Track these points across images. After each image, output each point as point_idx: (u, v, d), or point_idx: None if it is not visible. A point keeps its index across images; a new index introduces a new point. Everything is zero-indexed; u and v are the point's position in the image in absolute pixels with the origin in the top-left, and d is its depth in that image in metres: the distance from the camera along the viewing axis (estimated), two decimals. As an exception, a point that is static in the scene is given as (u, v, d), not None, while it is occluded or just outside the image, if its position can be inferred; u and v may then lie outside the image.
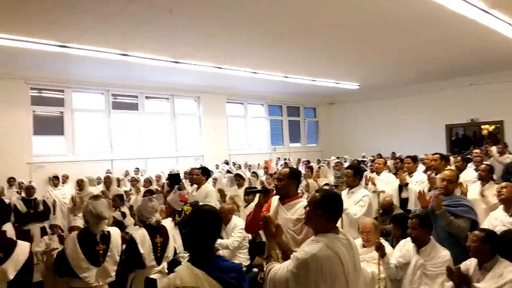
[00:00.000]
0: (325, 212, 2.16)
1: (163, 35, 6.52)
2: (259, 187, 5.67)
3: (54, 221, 5.07)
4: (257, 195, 3.19)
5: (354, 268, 2.17)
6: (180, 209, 4.47)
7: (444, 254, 3.25)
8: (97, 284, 3.05)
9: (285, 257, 2.28)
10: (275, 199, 3.12)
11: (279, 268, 2.14)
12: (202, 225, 2.05)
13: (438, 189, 3.77)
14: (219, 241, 4.49)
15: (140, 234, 3.28)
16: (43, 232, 5.30)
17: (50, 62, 7.96)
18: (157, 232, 3.46)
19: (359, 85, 12.17)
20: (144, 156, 10.72)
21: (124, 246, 3.31)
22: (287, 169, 3.11)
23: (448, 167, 5.36)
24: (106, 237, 3.17)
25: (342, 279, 2.08)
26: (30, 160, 8.85)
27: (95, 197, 3.25)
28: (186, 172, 7.40)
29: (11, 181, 7.44)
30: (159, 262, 3.36)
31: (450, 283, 2.99)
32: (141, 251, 3.20)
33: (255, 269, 4.40)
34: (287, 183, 2.99)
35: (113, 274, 3.16)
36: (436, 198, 3.52)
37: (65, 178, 7.81)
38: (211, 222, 2.08)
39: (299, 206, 2.91)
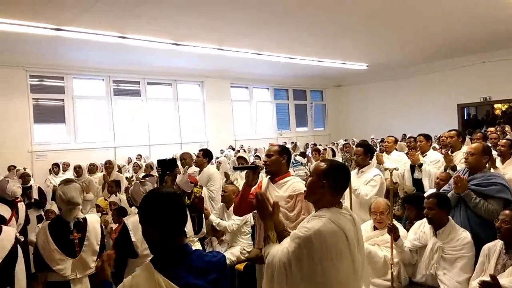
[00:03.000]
0: (330, 183, 1.95)
1: (163, 15, 6.23)
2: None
3: (49, 207, 4.86)
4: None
5: (358, 246, 1.98)
6: (189, 191, 4.23)
7: (464, 236, 2.98)
8: (74, 276, 2.79)
9: (280, 238, 2.06)
10: (265, 180, 3.02)
11: (277, 250, 1.90)
12: (164, 214, 1.57)
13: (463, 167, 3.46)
14: (218, 221, 4.29)
15: (133, 221, 3.04)
16: (40, 220, 5.12)
17: (48, 48, 7.74)
18: None
19: (367, 66, 11.77)
20: (148, 143, 10.54)
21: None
22: (276, 146, 3.03)
23: (465, 145, 5.06)
24: (82, 224, 2.91)
25: (348, 256, 1.89)
26: (31, 149, 8.70)
27: (66, 182, 2.97)
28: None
29: (11, 169, 7.26)
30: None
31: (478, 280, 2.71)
32: (133, 239, 2.96)
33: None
34: (277, 159, 2.90)
35: (93, 265, 2.89)
36: (457, 179, 3.19)
37: (66, 166, 7.63)
38: (172, 207, 1.59)
39: (291, 183, 2.86)
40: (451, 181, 3.36)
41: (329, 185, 1.95)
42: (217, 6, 5.98)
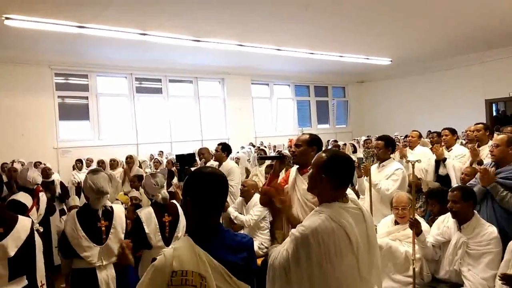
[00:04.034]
0: (331, 177, 1.81)
1: (182, 11, 6.25)
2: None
3: (73, 202, 4.97)
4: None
5: (368, 244, 1.82)
6: None
7: (490, 231, 2.86)
8: (100, 263, 2.84)
9: None
10: (293, 170, 2.87)
11: (279, 252, 1.79)
12: (204, 191, 1.64)
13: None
14: (236, 214, 4.28)
15: (146, 213, 3.07)
16: (62, 214, 5.23)
17: (71, 45, 7.91)
18: (165, 211, 3.21)
19: (391, 60, 11.52)
20: (170, 140, 10.64)
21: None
22: (306, 135, 2.84)
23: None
24: (109, 213, 2.95)
25: (351, 256, 1.74)
26: (57, 145, 8.91)
27: (94, 171, 3.01)
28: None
29: (37, 165, 7.45)
30: (167, 243, 3.11)
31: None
32: (146, 230, 2.98)
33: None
34: (306, 150, 2.72)
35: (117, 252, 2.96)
36: (485, 171, 3.05)
37: (89, 161, 7.79)
38: (215, 187, 1.67)
39: None
40: (478, 175, 3.23)
41: (329, 179, 1.81)
42: (237, 1, 5.94)
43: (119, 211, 3.04)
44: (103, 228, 2.87)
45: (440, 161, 4.90)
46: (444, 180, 4.83)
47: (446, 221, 3.11)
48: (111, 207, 3.01)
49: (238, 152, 7.57)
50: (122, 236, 2.97)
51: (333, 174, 1.82)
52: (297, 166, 2.84)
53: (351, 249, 1.74)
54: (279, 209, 1.98)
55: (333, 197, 1.83)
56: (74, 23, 6.41)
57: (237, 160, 6.40)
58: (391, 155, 4.06)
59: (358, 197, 4.48)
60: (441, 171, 4.92)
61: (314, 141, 2.79)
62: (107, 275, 2.86)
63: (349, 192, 4.92)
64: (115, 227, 2.93)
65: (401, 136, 9.36)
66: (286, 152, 6.11)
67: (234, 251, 1.65)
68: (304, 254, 1.70)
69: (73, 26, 6.45)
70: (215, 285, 1.54)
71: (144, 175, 5.73)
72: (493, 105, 12.20)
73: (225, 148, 5.11)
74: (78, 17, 6.21)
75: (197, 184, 1.67)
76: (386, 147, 3.94)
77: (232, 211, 4.39)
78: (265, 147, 9.02)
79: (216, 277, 1.55)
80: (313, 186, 1.90)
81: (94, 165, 7.46)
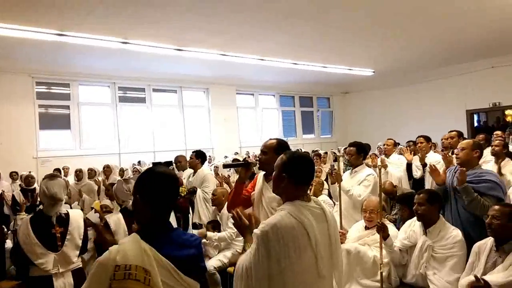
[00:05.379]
0: (291, 176, 1.88)
1: (164, 20, 6.23)
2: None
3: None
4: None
5: (329, 244, 1.86)
6: None
7: (454, 234, 2.88)
8: (56, 271, 2.76)
9: None
10: (260, 176, 2.78)
11: (246, 255, 1.82)
12: (155, 189, 1.67)
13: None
14: (217, 236, 4.22)
15: (115, 219, 3.03)
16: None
17: (53, 54, 7.84)
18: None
19: (374, 71, 11.67)
20: (153, 150, 10.56)
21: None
22: (273, 141, 2.74)
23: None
24: (64, 219, 2.89)
25: (310, 253, 1.76)
26: (36, 155, 8.78)
27: (51, 177, 2.96)
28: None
29: (13, 175, 7.35)
30: None
31: (466, 279, 2.60)
32: (115, 237, 2.94)
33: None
34: (272, 157, 2.54)
35: (75, 259, 2.87)
36: (461, 172, 3.05)
37: (66, 170, 7.68)
38: (166, 186, 1.70)
39: None
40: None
41: (289, 178, 1.87)
42: (220, 10, 5.95)
43: (76, 216, 2.97)
44: (58, 235, 2.81)
45: (411, 165, 4.96)
46: (420, 183, 4.87)
47: (412, 225, 3.13)
48: (66, 213, 2.94)
49: (219, 161, 7.53)
50: (80, 242, 2.90)
51: (293, 172, 1.88)
52: (264, 173, 2.76)
53: (310, 245, 1.77)
54: (246, 225, 1.98)
55: (294, 195, 1.88)
56: (54, 31, 6.36)
57: (216, 169, 6.37)
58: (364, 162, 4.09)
59: (335, 204, 4.49)
60: (415, 174, 4.98)
61: (281, 148, 2.64)
62: (64, 283, 2.78)
63: (326, 199, 4.92)
64: (71, 234, 2.86)
65: (384, 146, 9.43)
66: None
67: (181, 247, 1.67)
68: (264, 250, 1.71)
69: (53, 34, 6.41)
70: (160, 280, 1.53)
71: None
72: (474, 115, 12.39)
73: (199, 155, 5.08)
74: (58, 24, 6.16)
75: (148, 182, 1.71)
76: (358, 153, 3.97)
77: (212, 235, 4.30)
78: (249, 157, 9.00)
79: (162, 273, 1.55)
80: (276, 186, 1.97)
81: (71, 174, 7.34)
